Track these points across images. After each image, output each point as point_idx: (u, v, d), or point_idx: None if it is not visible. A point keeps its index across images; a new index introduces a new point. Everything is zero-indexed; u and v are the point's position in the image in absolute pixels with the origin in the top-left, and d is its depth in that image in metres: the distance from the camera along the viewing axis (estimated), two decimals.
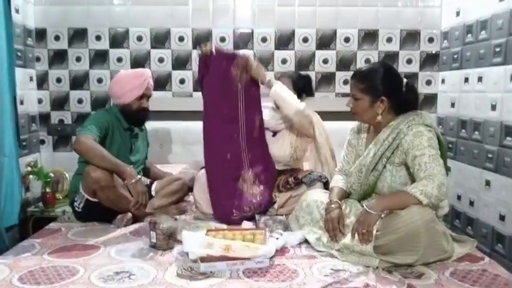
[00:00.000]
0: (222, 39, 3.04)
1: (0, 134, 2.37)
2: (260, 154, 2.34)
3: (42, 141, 3.10)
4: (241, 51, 2.63)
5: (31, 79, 2.98)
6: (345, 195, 1.96)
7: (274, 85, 2.25)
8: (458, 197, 2.74)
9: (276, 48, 3.07)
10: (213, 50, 2.27)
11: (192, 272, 1.60)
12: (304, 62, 3.08)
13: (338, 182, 2.00)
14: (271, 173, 2.36)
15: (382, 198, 1.76)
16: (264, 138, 2.38)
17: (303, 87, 2.44)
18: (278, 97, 2.26)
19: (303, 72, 2.60)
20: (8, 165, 2.40)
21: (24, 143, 2.80)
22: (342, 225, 1.80)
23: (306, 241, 1.90)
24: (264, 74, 2.27)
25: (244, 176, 2.28)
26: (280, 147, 2.41)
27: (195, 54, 2.90)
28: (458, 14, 2.80)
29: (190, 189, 2.50)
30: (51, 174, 2.80)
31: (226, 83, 2.26)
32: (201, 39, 3.03)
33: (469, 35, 2.65)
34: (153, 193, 2.46)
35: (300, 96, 2.40)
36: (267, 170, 2.35)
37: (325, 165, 2.35)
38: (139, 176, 2.15)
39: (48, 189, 2.74)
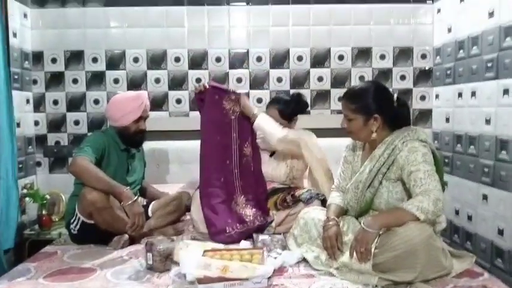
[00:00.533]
0: (218, 59, 3.08)
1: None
2: (252, 182, 2.41)
3: (39, 163, 3.09)
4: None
5: (28, 102, 3.00)
6: (342, 212, 1.96)
7: (257, 118, 2.35)
8: (456, 212, 2.73)
9: (271, 67, 3.10)
10: (206, 85, 2.35)
11: None
12: (299, 80, 3.11)
13: (335, 199, 2.00)
14: (262, 198, 2.42)
15: (379, 215, 1.75)
16: (257, 166, 2.44)
17: (291, 111, 2.47)
18: (260, 129, 2.36)
19: (294, 91, 2.62)
20: (3, 187, 2.40)
21: (20, 166, 2.80)
22: (340, 242, 1.79)
23: (305, 260, 1.88)
24: (249, 109, 2.38)
25: (237, 199, 2.36)
26: (276, 167, 2.44)
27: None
28: (450, 30, 2.85)
29: (187, 209, 2.49)
30: (47, 197, 2.78)
31: (219, 114, 2.36)
32: (196, 59, 3.06)
33: (461, 51, 2.69)
34: (149, 214, 2.44)
35: (291, 120, 2.46)
36: (258, 196, 2.41)
37: (320, 186, 2.35)
38: (136, 197, 2.14)
39: (44, 212, 2.73)
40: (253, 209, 2.34)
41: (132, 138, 2.39)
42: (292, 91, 3.08)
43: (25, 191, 2.74)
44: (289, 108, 2.46)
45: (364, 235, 1.64)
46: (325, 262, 1.79)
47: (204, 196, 2.31)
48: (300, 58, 3.09)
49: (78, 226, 2.17)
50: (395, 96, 1.89)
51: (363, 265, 1.63)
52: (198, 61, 3.06)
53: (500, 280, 1.70)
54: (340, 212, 1.94)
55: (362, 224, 1.69)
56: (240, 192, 2.38)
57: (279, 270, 1.76)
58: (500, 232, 2.28)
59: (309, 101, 3.04)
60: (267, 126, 2.34)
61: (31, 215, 2.83)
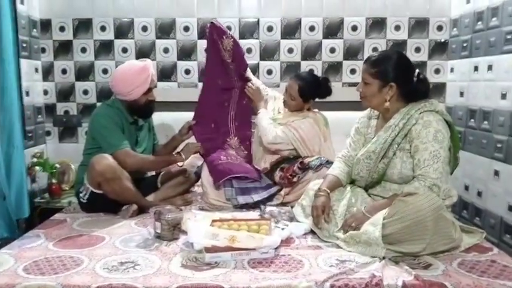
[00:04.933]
0: (228, 29, 2.99)
1: (10, 126, 2.38)
2: (247, 122, 2.63)
3: (48, 133, 3.10)
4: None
5: (36, 70, 2.98)
6: (338, 183, 1.97)
7: (259, 113, 2.52)
8: (466, 188, 2.70)
9: (282, 38, 3.03)
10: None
11: (197, 263, 1.59)
12: (311, 51, 3.03)
13: (334, 169, 2.01)
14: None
15: (380, 205, 1.77)
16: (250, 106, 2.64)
17: (311, 93, 2.47)
18: (258, 124, 2.51)
19: (320, 76, 2.58)
20: (18, 156, 2.41)
21: (30, 135, 2.81)
22: (327, 214, 1.84)
23: (312, 231, 1.89)
24: (258, 99, 2.57)
25: (230, 142, 2.55)
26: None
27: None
28: (468, 1, 2.74)
29: (198, 177, 2.51)
30: (57, 166, 2.81)
31: (217, 54, 2.53)
32: (206, 29, 2.99)
33: (479, 23, 2.59)
34: (158, 185, 2.46)
35: (307, 101, 2.48)
36: (251, 138, 2.64)
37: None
38: (181, 157, 2.36)
39: (54, 181, 2.76)
40: (245, 152, 2.54)
41: (142, 109, 2.36)
42: (303, 63, 3.04)
43: (35, 159, 2.76)
44: (310, 90, 2.46)
45: (362, 217, 1.74)
46: (333, 234, 1.80)
47: (201, 142, 2.50)
48: (312, 28, 3.01)
49: (87, 195, 2.18)
50: (416, 71, 1.86)
51: (372, 236, 1.62)
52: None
53: (508, 256, 1.68)
54: (335, 184, 1.96)
55: (363, 210, 1.77)
56: (234, 133, 2.57)
57: (286, 241, 1.76)
58: (510, 208, 2.25)
59: (320, 73, 2.99)
60: (264, 125, 2.46)
61: (41, 183, 2.86)
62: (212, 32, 2.53)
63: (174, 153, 2.42)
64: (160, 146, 2.64)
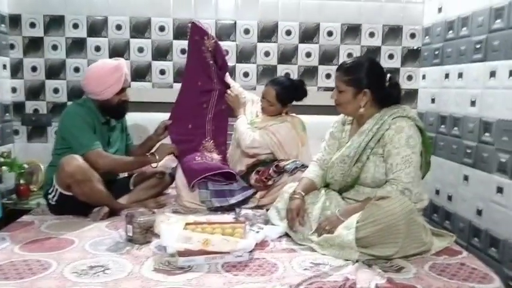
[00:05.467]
0: None
1: None
2: (224, 126, 2.59)
3: (16, 132, 2.99)
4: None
5: (4, 67, 2.87)
6: (313, 186, 1.99)
7: (239, 118, 2.52)
8: (437, 192, 2.77)
9: (258, 41, 3.03)
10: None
11: (170, 267, 1.56)
12: (287, 55, 3.05)
13: (310, 173, 2.03)
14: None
15: (353, 209, 1.78)
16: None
17: (288, 97, 2.48)
18: (237, 129, 2.50)
19: (295, 79, 2.61)
20: None
21: None
22: (302, 217, 1.85)
23: (286, 234, 1.89)
24: (238, 106, 2.56)
25: (206, 144, 2.51)
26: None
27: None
28: (440, 10, 2.82)
29: (172, 179, 2.47)
30: (25, 166, 2.71)
31: (200, 55, 2.50)
32: (182, 29, 2.96)
33: (450, 32, 2.67)
34: (131, 187, 2.41)
35: (285, 105, 2.50)
36: (226, 144, 2.61)
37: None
38: (155, 157, 2.31)
39: (22, 181, 2.67)
40: (220, 156, 2.50)
41: (115, 109, 2.31)
42: (279, 66, 3.05)
43: (2, 159, 2.66)
44: (286, 94, 2.47)
45: (336, 221, 1.75)
46: (307, 237, 1.80)
47: (176, 143, 2.46)
48: (288, 32, 3.03)
49: (56, 197, 2.12)
50: (388, 75, 1.90)
51: (346, 239, 1.64)
52: (183, 31, 2.96)
53: (477, 259, 1.73)
54: (310, 187, 1.97)
55: (337, 212, 1.79)
56: (211, 136, 2.52)
57: (261, 245, 1.76)
58: (479, 212, 2.32)
59: (296, 77, 3.01)
60: (241, 130, 2.45)
61: (8, 184, 2.75)
62: (194, 33, 2.51)
63: (148, 154, 2.37)
64: (135, 146, 2.59)
